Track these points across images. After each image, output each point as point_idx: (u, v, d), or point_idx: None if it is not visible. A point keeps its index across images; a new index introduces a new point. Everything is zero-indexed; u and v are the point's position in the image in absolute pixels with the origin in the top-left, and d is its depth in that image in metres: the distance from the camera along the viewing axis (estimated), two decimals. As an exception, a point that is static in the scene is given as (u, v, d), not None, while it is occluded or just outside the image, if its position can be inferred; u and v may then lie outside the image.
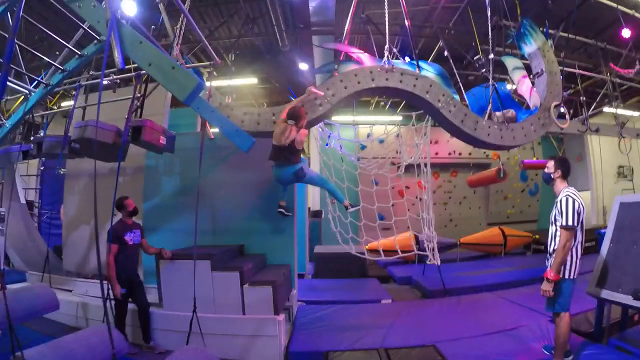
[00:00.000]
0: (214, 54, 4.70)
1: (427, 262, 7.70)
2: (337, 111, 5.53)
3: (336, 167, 8.29)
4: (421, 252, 8.01)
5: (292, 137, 4.58)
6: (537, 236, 11.49)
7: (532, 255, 11.46)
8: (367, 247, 8.52)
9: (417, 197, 8.37)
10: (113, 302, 4.65)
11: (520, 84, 6.13)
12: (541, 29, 6.24)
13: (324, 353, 4.21)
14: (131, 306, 4.97)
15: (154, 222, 6.05)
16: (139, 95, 5.59)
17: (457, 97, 5.40)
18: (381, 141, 9.72)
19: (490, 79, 5.83)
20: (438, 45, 8.90)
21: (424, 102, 5.29)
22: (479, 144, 5.72)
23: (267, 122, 5.01)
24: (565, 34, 8.10)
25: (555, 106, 5.68)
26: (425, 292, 7.64)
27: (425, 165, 8.11)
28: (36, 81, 4.91)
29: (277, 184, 5.42)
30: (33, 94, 4.87)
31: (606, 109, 10.43)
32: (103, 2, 3.11)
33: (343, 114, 12.15)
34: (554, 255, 3.61)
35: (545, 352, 4.00)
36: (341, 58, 5.61)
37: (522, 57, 6.79)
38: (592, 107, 9.65)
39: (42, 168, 10.91)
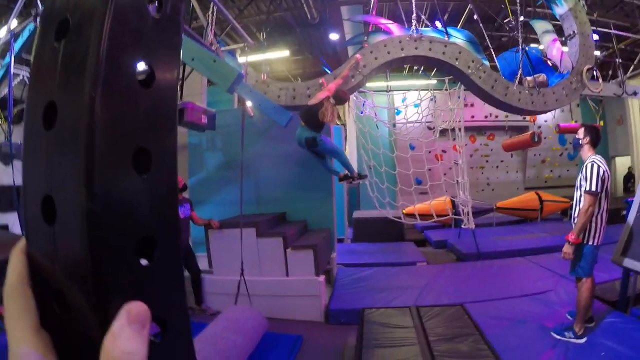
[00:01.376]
0: (246, 36, 4.90)
1: (462, 226, 7.85)
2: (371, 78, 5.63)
3: (372, 134, 8.38)
4: (456, 217, 8.15)
5: (334, 118, 4.79)
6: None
7: (569, 221, 11.17)
8: (404, 211, 8.68)
9: (453, 162, 8.40)
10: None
11: (551, 48, 6.02)
12: None
13: (360, 310, 4.52)
14: (184, 274, 5.42)
15: (199, 195, 6.46)
16: (178, 78, 5.86)
17: (487, 62, 5.41)
18: (416, 106, 9.76)
19: (520, 43, 5.78)
20: (468, 8, 8.71)
21: (454, 68, 5.35)
22: (510, 109, 5.74)
23: (302, 96, 5.17)
24: (599, -9, 7.77)
25: (588, 69, 5.59)
26: (460, 256, 7.82)
27: (460, 129, 8.15)
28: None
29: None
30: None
31: (647, 70, 9.91)
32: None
33: (376, 80, 12.09)
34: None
35: (569, 317, 4.06)
36: (370, 29, 5.70)
37: (553, 18, 6.62)
38: (631, 68, 9.18)
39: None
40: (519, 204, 11.31)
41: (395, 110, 11.54)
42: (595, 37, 7.98)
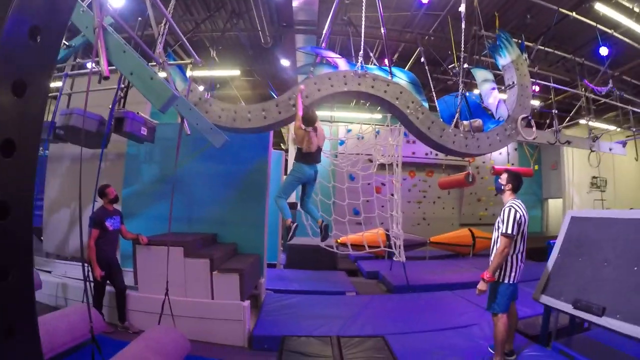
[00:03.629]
0: (194, 54, 4.89)
1: (394, 259, 8.04)
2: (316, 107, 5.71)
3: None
4: (388, 249, 8.33)
5: (316, 142, 4.87)
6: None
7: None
8: (337, 240, 8.78)
9: (391, 194, 8.62)
10: (92, 284, 4.92)
11: (488, 96, 6.38)
12: (517, 41, 6.49)
13: (282, 337, 4.52)
14: (109, 288, 5.22)
15: (132, 208, 6.26)
16: (123, 86, 5.74)
17: (426, 104, 5.66)
18: (361, 137, 10.00)
19: (460, 89, 6.08)
20: (417, 50, 9.15)
21: (394, 107, 5.53)
22: (445, 150, 5.98)
23: (243, 119, 5.15)
24: (543, 47, 8.41)
25: (523, 118, 5.97)
26: (390, 288, 7.94)
27: (397, 164, 8.42)
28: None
29: (256, 179, 5.79)
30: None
31: (582, 121, 10.62)
32: (91, 8, 3.22)
33: (321, 109, 12.24)
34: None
35: (490, 350, 4.26)
36: (318, 60, 5.82)
37: (495, 67, 7.07)
38: (568, 118, 9.92)
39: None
40: (452, 239, 11.73)
41: (339, 141, 11.75)
42: (537, 88, 8.61)
